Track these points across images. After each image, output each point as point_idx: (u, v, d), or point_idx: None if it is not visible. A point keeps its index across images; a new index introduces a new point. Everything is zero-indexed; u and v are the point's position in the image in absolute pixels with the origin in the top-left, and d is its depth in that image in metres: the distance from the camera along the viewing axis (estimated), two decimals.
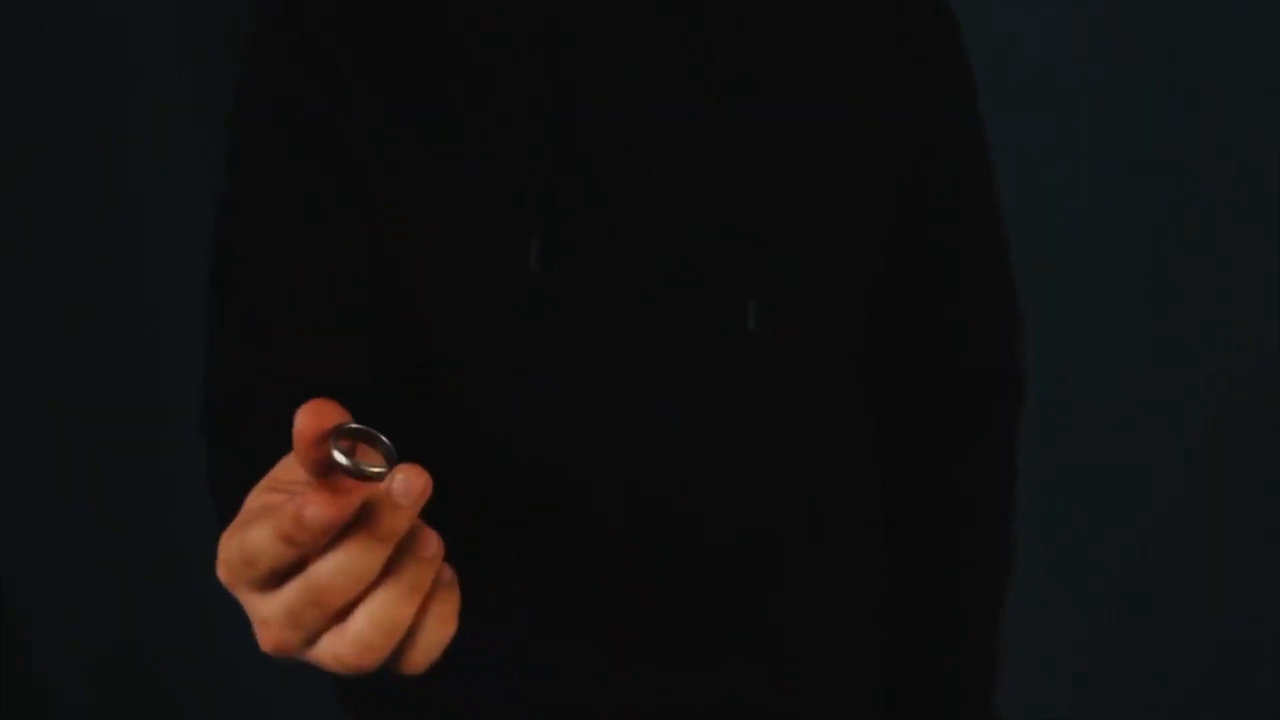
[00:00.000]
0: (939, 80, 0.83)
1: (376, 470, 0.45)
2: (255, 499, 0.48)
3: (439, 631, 0.47)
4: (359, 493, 0.44)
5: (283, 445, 0.53)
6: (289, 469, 0.49)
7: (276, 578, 0.46)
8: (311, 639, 0.46)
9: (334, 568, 0.45)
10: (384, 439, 0.47)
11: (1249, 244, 1.54)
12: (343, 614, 0.46)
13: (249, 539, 0.45)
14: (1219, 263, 1.55)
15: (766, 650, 0.81)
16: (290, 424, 0.48)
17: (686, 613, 0.78)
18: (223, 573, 0.46)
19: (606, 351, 0.74)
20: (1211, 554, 1.57)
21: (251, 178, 0.75)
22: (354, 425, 0.47)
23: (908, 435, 0.91)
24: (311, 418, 0.44)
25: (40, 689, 1.56)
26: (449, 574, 0.48)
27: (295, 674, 1.01)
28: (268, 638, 0.47)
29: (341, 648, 0.46)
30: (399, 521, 0.45)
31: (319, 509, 0.43)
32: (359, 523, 0.45)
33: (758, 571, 0.79)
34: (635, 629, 0.78)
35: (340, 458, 0.45)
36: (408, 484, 0.44)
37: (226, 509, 0.73)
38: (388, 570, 0.46)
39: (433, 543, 0.46)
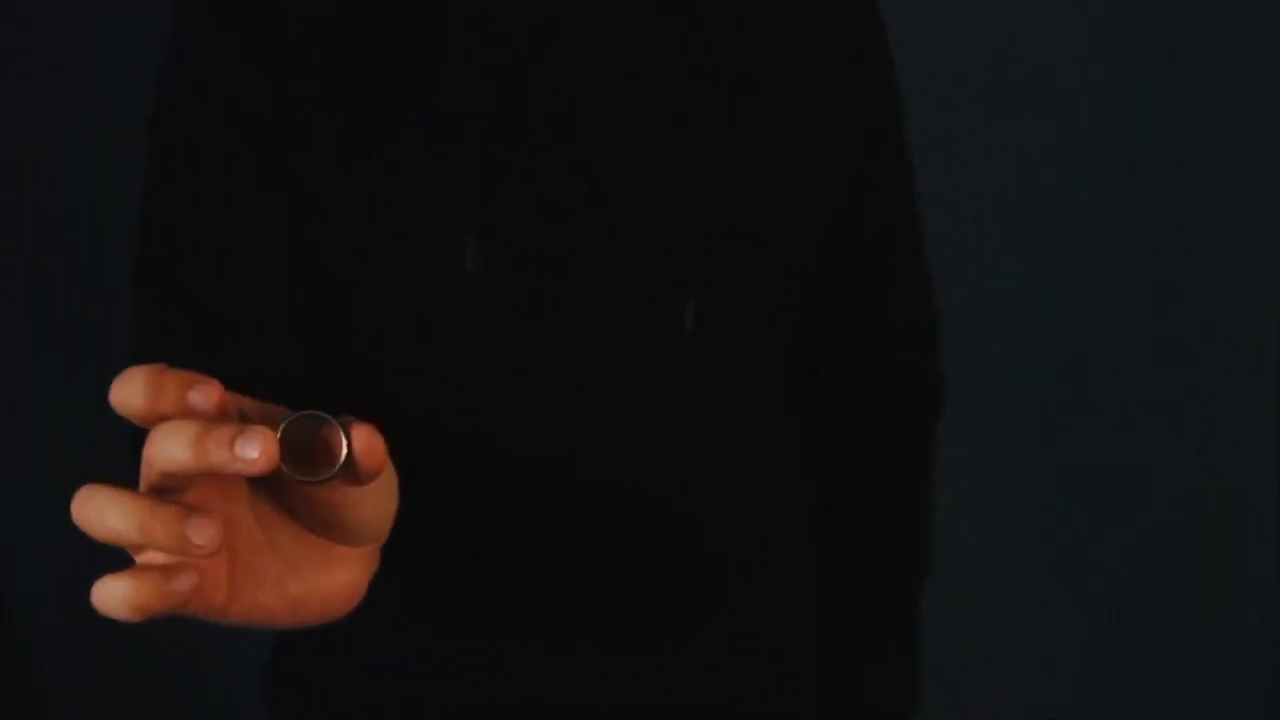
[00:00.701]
0: (889, 86, 0.84)
1: (319, 478, 0.48)
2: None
3: (123, 587, 0.47)
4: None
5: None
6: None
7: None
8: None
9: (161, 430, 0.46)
10: (330, 420, 0.48)
11: (1249, 244, 1.54)
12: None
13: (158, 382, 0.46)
14: (1219, 263, 1.55)
15: (727, 649, 0.81)
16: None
17: (649, 613, 0.78)
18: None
19: (545, 351, 0.74)
20: (1212, 554, 1.57)
21: (190, 180, 0.73)
22: (300, 417, 0.47)
23: (844, 438, 0.91)
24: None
25: (40, 689, 1.56)
26: (184, 584, 0.48)
27: None
28: None
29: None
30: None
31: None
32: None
33: (709, 571, 0.80)
34: (599, 629, 0.78)
35: (286, 468, 0.46)
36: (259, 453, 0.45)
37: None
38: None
39: (205, 533, 0.45)
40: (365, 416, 0.59)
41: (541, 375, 0.74)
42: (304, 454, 0.48)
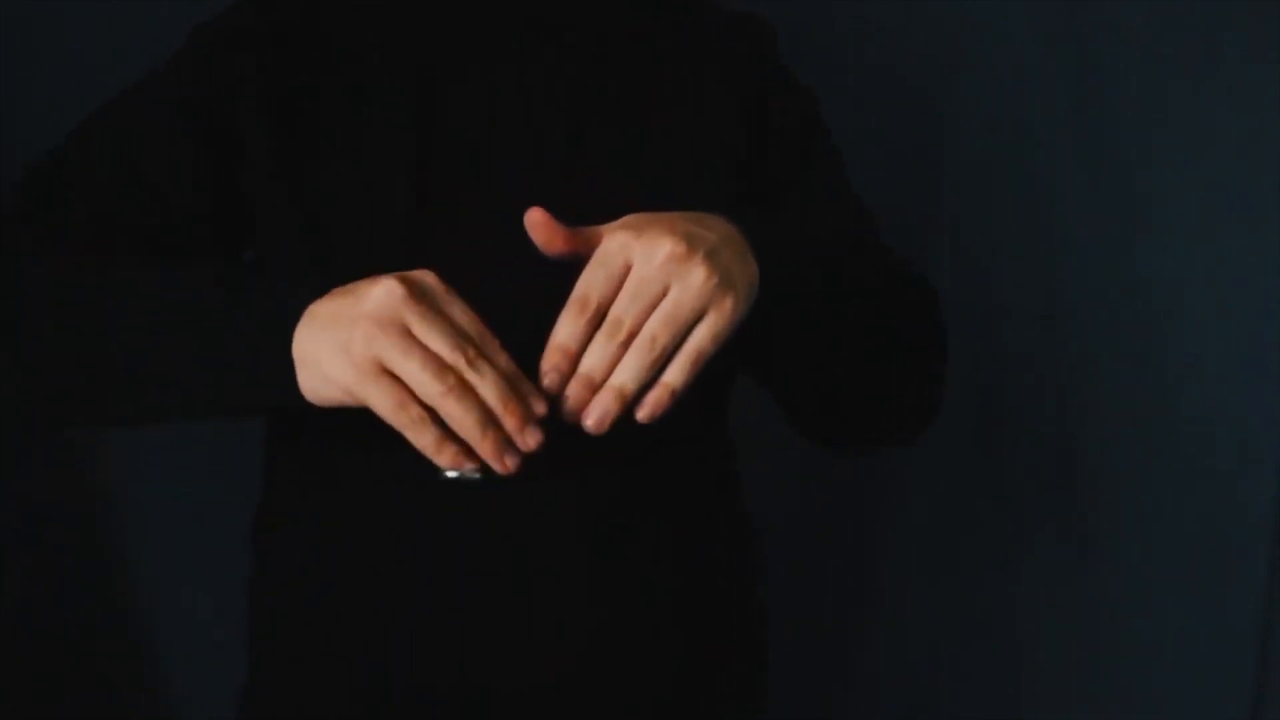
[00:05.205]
0: (781, 108, 0.94)
1: None
2: None
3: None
4: None
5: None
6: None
7: None
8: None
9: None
10: None
11: (1247, 243, 1.54)
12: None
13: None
14: (1217, 263, 1.55)
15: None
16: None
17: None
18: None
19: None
20: (1212, 554, 1.57)
21: (126, 112, 0.92)
22: None
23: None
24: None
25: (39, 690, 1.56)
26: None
27: None
28: None
29: None
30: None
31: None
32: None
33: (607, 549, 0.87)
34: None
35: None
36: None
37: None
38: None
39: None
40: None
41: None
42: None
